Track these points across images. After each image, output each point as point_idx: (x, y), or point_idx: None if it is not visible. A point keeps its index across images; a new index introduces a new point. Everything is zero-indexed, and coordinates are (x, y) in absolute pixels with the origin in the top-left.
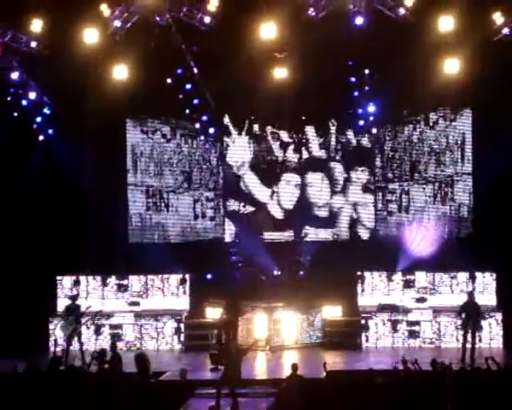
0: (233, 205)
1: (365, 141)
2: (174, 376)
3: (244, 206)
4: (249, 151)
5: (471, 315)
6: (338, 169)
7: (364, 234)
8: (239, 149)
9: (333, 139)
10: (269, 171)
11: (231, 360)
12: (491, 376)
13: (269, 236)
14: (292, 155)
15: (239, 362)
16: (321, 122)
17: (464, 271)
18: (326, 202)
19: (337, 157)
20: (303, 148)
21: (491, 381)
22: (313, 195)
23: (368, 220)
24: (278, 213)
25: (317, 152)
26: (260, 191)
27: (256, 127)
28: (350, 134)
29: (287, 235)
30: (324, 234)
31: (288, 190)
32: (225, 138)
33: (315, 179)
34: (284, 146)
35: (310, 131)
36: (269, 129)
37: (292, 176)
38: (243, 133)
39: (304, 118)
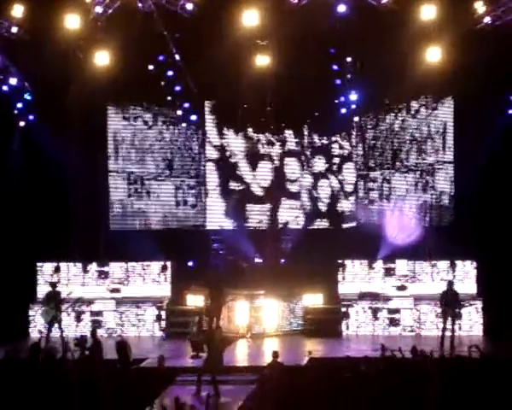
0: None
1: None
2: (155, 363)
3: (239, 185)
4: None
5: (450, 304)
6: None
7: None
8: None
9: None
10: (251, 159)
11: (215, 347)
12: (473, 363)
13: (250, 208)
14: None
15: (222, 350)
16: (299, 124)
17: (445, 259)
18: (296, 178)
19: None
20: (280, 144)
21: (473, 369)
22: (287, 173)
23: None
24: (258, 191)
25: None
26: (246, 174)
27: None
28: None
29: (267, 207)
30: (304, 221)
31: (264, 173)
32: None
33: (289, 161)
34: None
35: (288, 133)
36: (250, 130)
37: (268, 163)
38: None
39: (283, 124)
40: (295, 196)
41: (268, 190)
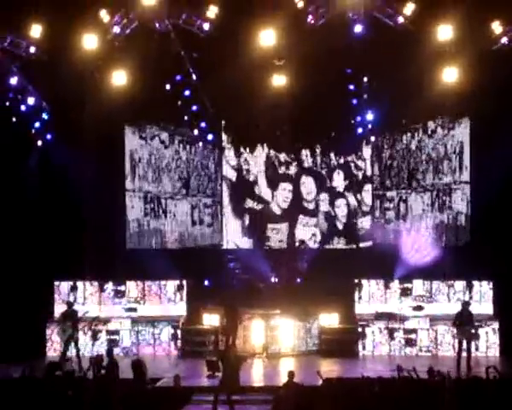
0: (248, 203)
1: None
2: (170, 382)
3: (257, 204)
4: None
5: (465, 324)
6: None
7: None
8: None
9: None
10: (271, 179)
11: (230, 366)
12: (490, 385)
13: (270, 227)
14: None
15: (238, 369)
16: (315, 143)
17: (461, 279)
18: (313, 197)
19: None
20: (296, 164)
21: (490, 390)
22: (303, 192)
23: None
24: (277, 210)
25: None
26: (266, 193)
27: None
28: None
29: (284, 225)
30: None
31: (284, 194)
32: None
33: (306, 180)
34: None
35: (305, 153)
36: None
37: (287, 184)
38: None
39: (300, 144)
40: (312, 214)
41: (286, 209)
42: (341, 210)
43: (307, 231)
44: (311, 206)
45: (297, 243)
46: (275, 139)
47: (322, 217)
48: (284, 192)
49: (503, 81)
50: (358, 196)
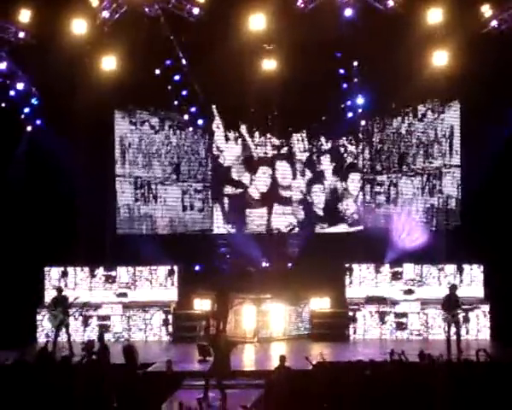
0: (227, 189)
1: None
2: (162, 367)
3: (235, 190)
4: (239, 148)
5: (452, 308)
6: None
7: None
8: (230, 147)
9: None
10: (249, 163)
11: (221, 351)
12: (481, 367)
13: (249, 213)
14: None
15: (228, 354)
16: (305, 127)
17: (452, 263)
18: (289, 184)
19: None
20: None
21: (481, 373)
22: (279, 178)
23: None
24: (256, 195)
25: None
26: (244, 178)
27: (244, 129)
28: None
29: (263, 210)
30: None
31: (262, 179)
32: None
33: (281, 166)
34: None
35: (295, 137)
36: (256, 133)
37: (266, 168)
38: (232, 134)
39: (290, 129)
40: (293, 200)
41: (265, 194)
42: (329, 194)
43: (284, 220)
44: (291, 193)
45: (287, 228)
46: (264, 124)
47: (300, 205)
48: (263, 176)
49: (493, 64)
50: (348, 179)
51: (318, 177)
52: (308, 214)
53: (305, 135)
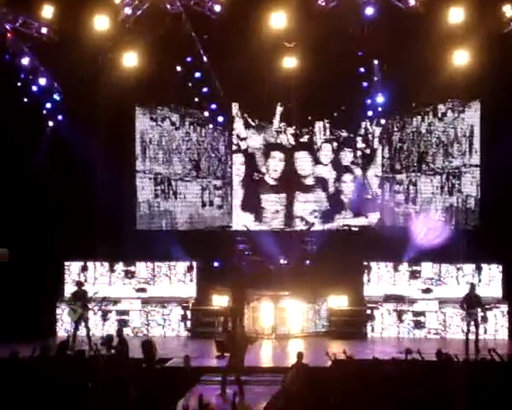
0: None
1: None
2: (180, 362)
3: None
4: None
5: (472, 306)
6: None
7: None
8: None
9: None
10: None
11: (237, 347)
12: (497, 367)
13: (266, 197)
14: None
15: (244, 350)
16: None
17: (470, 262)
18: (310, 172)
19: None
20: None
21: (498, 372)
22: (299, 167)
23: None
24: (271, 181)
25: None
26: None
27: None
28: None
29: (282, 196)
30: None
31: (276, 166)
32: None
33: (301, 155)
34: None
35: (317, 127)
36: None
37: (281, 154)
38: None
39: (310, 118)
40: (315, 188)
41: (285, 180)
42: (347, 185)
43: (307, 208)
44: (310, 181)
45: (305, 226)
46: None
47: (324, 193)
48: (277, 160)
49: None
50: (366, 175)
51: (340, 166)
52: (332, 203)
53: (325, 124)
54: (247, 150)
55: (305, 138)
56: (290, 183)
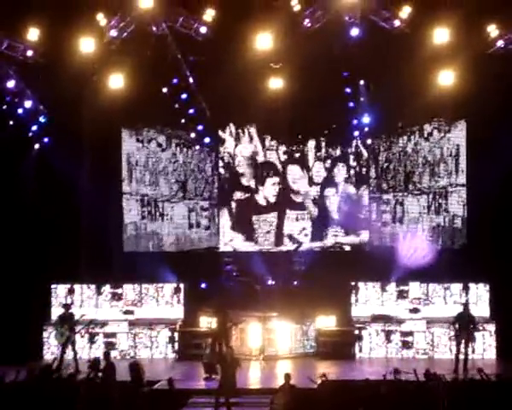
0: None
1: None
2: (167, 385)
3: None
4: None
5: (464, 326)
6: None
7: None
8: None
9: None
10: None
11: (227, 368)
12: (485, 387)
13: (256, 218)
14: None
15: (234, 371)
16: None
17: (458, 282)
18: (301, 190)
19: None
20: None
21: (485, 392)
22: (291, 183)
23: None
24: (263, 202)
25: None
26: (252, 184)
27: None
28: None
29: (272, 215)
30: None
31: (271, 189)
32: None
33: (292, 172)
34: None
35: (309, 145)
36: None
37: (275, 179)
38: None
39: (300, 137)
40: (301, 207)
41: (275, 200)
42: (338, 203)
43: (297, 225)
44: (301, 198)
45: (293, 246)
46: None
47: (313, 208)
48: (271, 184)
49: (499, 84)
50: (358, 192)
51: (332, 184)
52: (321, 222)
53: (317, 143)
54: (237, 169)
55: (296, 156)
56: (281, 201)
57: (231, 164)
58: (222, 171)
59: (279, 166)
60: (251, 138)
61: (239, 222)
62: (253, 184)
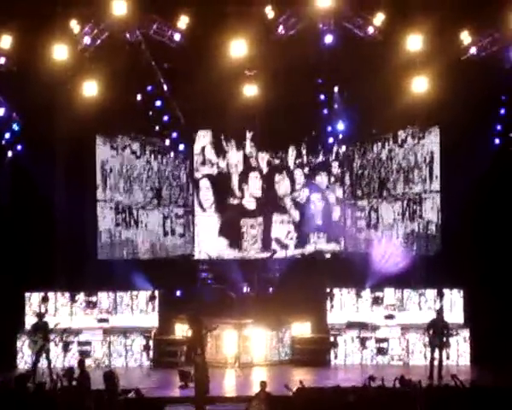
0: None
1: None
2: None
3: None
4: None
5: (438, 332)
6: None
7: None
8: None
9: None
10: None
11: (200, 376)
12: (460, 393)
13: (243, 222)
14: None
15: (207, 380)
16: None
17: (432, 288)
18: (287, 194)
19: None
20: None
21: (460, 398)
22: (277, 187)
23: None
24: (251, 204)
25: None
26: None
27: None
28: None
29: (259, 220)
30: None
31: (254, 183)
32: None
33: (278, 177)
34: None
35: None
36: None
37: (256, 174)
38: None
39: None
40: (286, 211)
41: (259, 204)
42: (319, 209)
43: (283, 229)
44: (286, 203)
45: (269, 253)
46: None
47: (297, 213)
48: (255, 187)
49: (472, 91)
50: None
51: (312, 189)
52: (303, 227)
53: (296, 150)
54: (219, 175)
55: (276, 162)
56: (266, 206)
57: (210, 170)
58: (198, 175)
59: (261, 170)
60: (227, 145)
61: (224, 228)
62: (236, 186)
